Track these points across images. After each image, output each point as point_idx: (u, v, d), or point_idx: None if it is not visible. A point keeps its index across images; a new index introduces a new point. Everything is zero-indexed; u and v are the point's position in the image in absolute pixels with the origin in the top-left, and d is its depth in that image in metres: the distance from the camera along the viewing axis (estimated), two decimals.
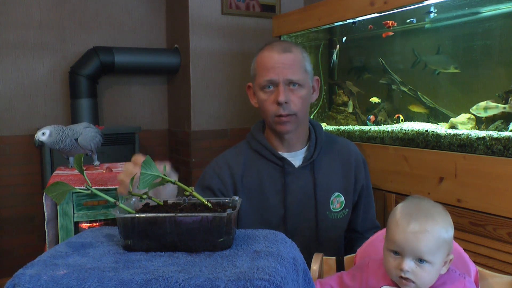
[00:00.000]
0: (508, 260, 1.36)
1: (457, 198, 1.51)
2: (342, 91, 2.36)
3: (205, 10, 2.84)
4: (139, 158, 0.98)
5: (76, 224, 1.79)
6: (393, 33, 1.97)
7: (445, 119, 1.82)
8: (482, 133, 1.49)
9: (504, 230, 1.37)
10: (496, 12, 1.64)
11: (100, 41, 2.96)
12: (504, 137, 1.41)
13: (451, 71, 1.78)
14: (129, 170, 0.98)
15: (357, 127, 2.10)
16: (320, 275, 1.09)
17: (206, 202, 0.77)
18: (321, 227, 1.32)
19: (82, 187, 0.78)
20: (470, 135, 1.52)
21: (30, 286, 0.61)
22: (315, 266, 1.07)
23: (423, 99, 1.95)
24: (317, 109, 2.48)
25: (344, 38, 2.23)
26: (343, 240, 1.42)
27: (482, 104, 1.56)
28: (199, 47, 2.84)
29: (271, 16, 2.77)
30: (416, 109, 1.98)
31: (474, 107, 1.59)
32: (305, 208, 1.30)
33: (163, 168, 0.85)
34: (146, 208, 0.81)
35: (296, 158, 1.33)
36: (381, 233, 1.08)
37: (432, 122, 1.87)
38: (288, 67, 1.23)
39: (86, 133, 1.88)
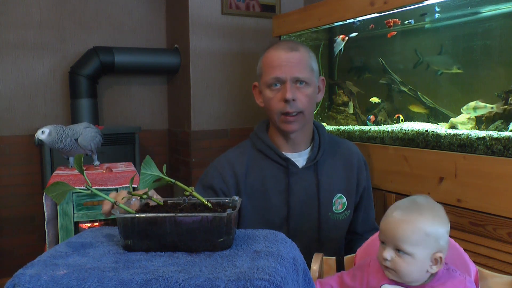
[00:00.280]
0: (508, 260, 1.36)
1: (457, 198, 1.51)
2: (342, 91, 2.36)
3: (205, 10, 2.84)
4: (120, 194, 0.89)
5: (76, 224, 1.79)
6: (395, 32, 1.97)
7: (445, 119, 1.82)
8: (482, 133, 1.49)
9: (504, 230, 1.37)
10: (496, 12, 1.64)
11: (100, 41, 2.96)
12: (504, 137, 1.41)
13: (454, 71, 1.78)
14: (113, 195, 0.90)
15: (357, 127, 2.10)
16: (320, 275, 1.09)
17: (206, 202, 0.77)
18: (323, 228, 1.32)
19: (82, 187, 0.78)
20: (470, 135, 1.52)
21: (30, 286, 0.61)
22: (315, 266, 1.07)
23: (423, 99, 1.95)
24: (317, 109, 2.48)
25: (355, 34, 2.16)
26: (343, 241, 1.42)
27: (472, 104, 1.60)
28: (199, 47, 2.84)
29: (271, 16, 2.77)
30: (416, 109, 1.98)
31: (464, 107, 1.62)
32: (308, 208, 1.30)
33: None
34: (146, 208, 0.81)
35: (300, 158, 1.33)
36: None
37: (432, 122, 1.87)
38: (295, 65, 1.23)
39: (86, 133, 1.88)
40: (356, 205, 1.39)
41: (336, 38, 2.19)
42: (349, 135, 2.08)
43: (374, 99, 2.13)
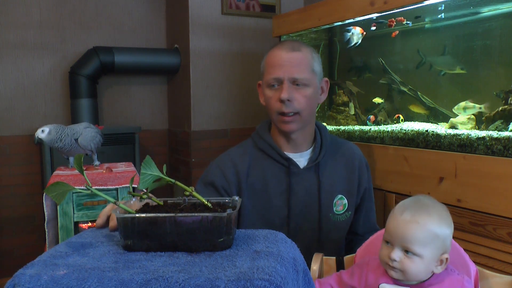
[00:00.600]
0: (508, 260, 1.36)
1: (457, 198, 1.51)
2: (342, 91, 2.36)
3: (205, 10, 2.85)
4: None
5: (76, 224, 1.79)
6: (398, 32, 1.96)
7: (445, 119, 1.82)
8: (482, 133, 1.49)
9: (504, 230, 1.37)
10: (496, 12, 1.64)
11: (100, 41, 2.96)
12: (504, 137, 1.41)
13: (457, 71, 1.79)
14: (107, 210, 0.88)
15: (357, 127, 2.10)
16: (320, 275, 1.09)
17: (206, 202, 0.77)
18: (323, 229, 1.32)
19: (82, 187, 0.78)
20: (470, 135, 1.52)
21: (30, 286, 0.61)
22: (315, 266, 1.07)
23: (423, 99, 1.95)
24: (316, 109, 2.47)
25: (373, 28, 2.03)
26: (344, 242, 1.42)
27: (462, 104, 1.64)
28: (199, 47, 2.84)
29: (271, 16, 2.77)
30: (416, 109, 1.98)
31: (455, 107, 1.66)
32: (308, 209, 1.30)
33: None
34: (146, 208, 0.81)
35: (301, 158, 1.33)
36: (381, 233, 1.08)
37: (432, 122, 1.87)
38: (294, 65, 1.23)
39: (86, 133, 1.88)
40: (357, 206, 1.39)
41: (350, 28, 2.06)
42: (349, 135, 2.08)
43: (377, 100, 2.12)
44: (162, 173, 0.78)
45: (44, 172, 2.68)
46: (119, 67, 2.83)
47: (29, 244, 2.87)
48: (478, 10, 1.69)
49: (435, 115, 1.90)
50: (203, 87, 2.88)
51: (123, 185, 1.79)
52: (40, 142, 1.81)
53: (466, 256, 1.02)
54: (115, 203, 0.75)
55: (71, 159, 1.93)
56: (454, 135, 1.58)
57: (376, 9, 1.77)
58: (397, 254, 0.89)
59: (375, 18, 1.92)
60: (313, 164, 1.31)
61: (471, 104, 1.63)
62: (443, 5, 1.73)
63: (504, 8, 1.60)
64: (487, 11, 1.67)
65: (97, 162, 2.02)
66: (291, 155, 1.31)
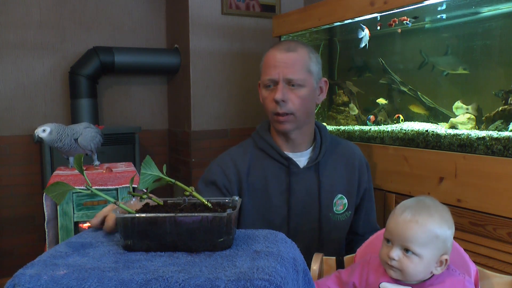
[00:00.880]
0: (508, 260, 1.36)
1: (457, 198, 1.51)
2: (342, 91, 2.36)
3: (205, 10, 2.84)
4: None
5: (76, 224, 1.79)
6: (400, 31, 1.96)
7: (445, 119, 1.82)
8: (482, 133, 1.49)
9: (504, 230, 1.37)
10: (497, 12, 1.64)
11: (100, 41, 2.96)
12: (504, 137, 1.41)
13: (459, 72, 1.79)
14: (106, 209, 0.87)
15: (357, 127, 2.10)
16: (320, 275, 1.09)
17: (206, 202, 0.77)
18: (323, 229, 1.32)
19: (82, 187, 0.78)
20: (470, 135, 1.52)
21: (30, 286, 0.61)
22: (315, 266, 1.07)
23: (423, 99, 1.95)
24: (316, 109, 2.48)
25: (378, 27, 1.99)
26: (344, 242, 1.42)
27: (455, 104, 1.68)
28: (199, 47, 2.84)
29: (271, 16, 2.77)
30: (416, 109, 1.98)
31: (454, 106, 1.70)
32: (308, 209, 1.31)
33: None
34: (146, 208, 0.81)
35: (301, 158, 1.33)
36: (381, 233, 1.09)
37: (432, 122, 1.87)
38: (289, 66, 1.23)
39: (86, 133, 1.88)
40: (357, 206, 1.39)
41: (364, 27, 2.03)
42: (349, 135, 2.08)
43: (381, 101, 2.12)
44: (162, 173, 0.78)
45: (44, 172, 2.68)
46: (119, 67, 2.83)
47: (29, 244, 2.87)
48: (478, 10, 1.69)
49: (435, 115, 1.90)
50: (203, 87, 2.88)
51: (123, 185, 1.79)
52: (39, 141, 1.81)
53: (466, 256, 1.02)
54: (115, 203, 0.75)
55: (71, 159, 1.93)
56: (454, 135, 1.58)
57: (376, 9, 1.77)
58: (396, 253, 0.90)
59: (378, 19, 1.92)
60: (313, 164, 1.31)
61: (460, 105, 1.67)
62: (443, 5, 1.73)
63: (504, 8, 1.60)
64: (487, 11, 1.67)
65: (97, 162, 2.02)
66: (291, 154, 1.32)
